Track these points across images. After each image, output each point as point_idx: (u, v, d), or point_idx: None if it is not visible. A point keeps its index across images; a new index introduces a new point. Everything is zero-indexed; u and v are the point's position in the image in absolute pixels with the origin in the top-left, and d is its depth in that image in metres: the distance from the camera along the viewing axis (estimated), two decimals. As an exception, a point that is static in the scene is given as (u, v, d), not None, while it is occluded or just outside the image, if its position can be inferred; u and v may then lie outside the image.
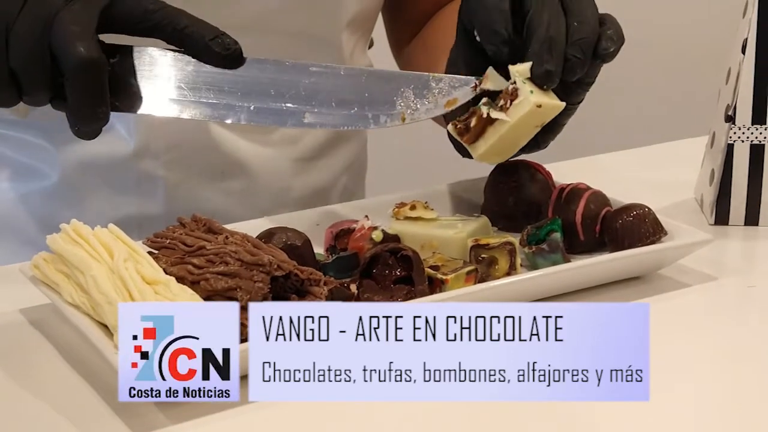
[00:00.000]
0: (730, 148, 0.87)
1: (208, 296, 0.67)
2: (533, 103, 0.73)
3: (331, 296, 0.70)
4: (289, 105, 0.69)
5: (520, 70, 0.74)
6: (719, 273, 0.79)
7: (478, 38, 0.77)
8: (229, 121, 0.72)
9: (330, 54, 0.96)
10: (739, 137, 0.86)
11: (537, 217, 0.82)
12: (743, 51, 0.86)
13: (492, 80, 0.75)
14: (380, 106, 0.71)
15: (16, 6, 0.68)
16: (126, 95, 0.72)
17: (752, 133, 0.86)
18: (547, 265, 0.75)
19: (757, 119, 0.86)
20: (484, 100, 0.76)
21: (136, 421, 0.61)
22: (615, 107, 2.05)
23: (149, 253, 0.71)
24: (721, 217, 0.88)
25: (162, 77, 0.71)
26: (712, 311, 0.75)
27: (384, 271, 0.73)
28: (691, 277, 0.78)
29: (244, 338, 0.65)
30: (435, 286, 0.72)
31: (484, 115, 0.75)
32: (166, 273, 0.68)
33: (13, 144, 0.95)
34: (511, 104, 0.74)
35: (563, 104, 0.76)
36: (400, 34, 1.08)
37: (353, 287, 0.73)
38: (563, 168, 0.91)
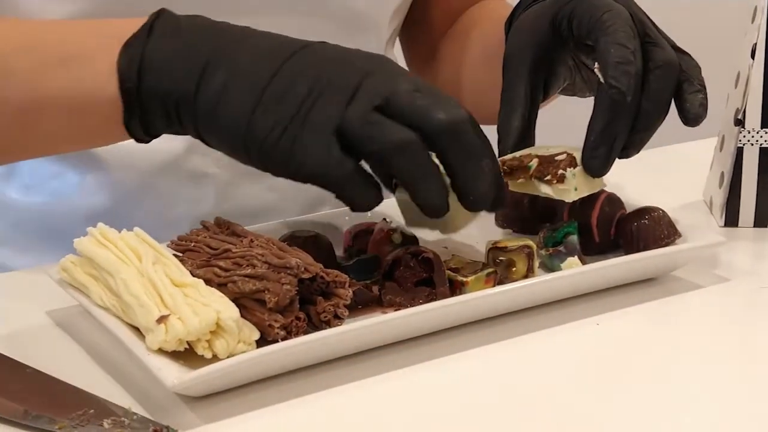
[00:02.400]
0: (739, 152, 0.88)
1: (236, 298, 0.67)
2: (573, 196, 0.76)
3: (355, 298, 0.71)
4: None
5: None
6: (731, 274, 0.80)
7: (598, 72, 0.75)
8: None
9: (373, 38, 0.97)
10: (748, 140, 0.88)
11: (552, 220, 0.83)
12: (752, 56, 0.87)
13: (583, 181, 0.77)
14: None
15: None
16: None
17: (761, 137, 0.87)
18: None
19: (767, 123, 0.87)
20: (536, 162, 0.77)
21: (168, 422, 0.62)
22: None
23: (174, 255, 0.72)
24: (731, 219, 0.89)
25: None
26: (726, 312, 0.76)
27: (406, 273, 0.73)
28: (703, 278, 0.79)
29: (271, 339, 0.67)
30: (455, 287, 0.73)
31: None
32: (193, 276, 0.69)
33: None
34: (555, 182, 0.76)
35: (604, 184, 0.78)
36: (420, 46, 1.07)
37: (375, 289, 0.74)
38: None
